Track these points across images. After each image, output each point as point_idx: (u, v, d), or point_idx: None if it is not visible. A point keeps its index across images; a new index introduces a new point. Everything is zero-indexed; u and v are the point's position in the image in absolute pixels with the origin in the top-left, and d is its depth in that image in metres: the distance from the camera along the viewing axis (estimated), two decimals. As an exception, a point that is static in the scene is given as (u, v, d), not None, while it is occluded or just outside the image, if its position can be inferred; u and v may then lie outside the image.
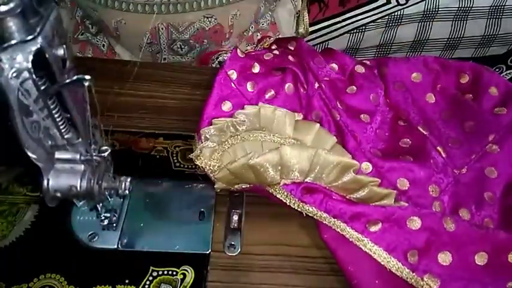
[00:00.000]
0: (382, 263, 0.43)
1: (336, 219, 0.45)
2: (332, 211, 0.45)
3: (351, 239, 0.44)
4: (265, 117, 0.52)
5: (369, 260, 0.43)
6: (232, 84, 0.55)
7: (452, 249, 0.44)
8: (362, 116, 0.55)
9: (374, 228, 0.44)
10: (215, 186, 0.49)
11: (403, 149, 0.54)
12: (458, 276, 0.42)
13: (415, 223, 0.45)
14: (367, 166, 0.51)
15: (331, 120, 0.55)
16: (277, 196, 0.47)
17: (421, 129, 0.55)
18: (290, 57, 0.59)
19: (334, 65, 0.59)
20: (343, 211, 0.45)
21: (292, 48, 0.62)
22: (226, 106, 0.54)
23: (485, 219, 0.49)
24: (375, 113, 0.56)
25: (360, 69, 0.60)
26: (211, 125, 0.51)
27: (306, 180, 0.48)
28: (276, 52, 0.61)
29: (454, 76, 0.60)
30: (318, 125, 0.53)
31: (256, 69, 0.57)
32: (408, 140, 0.54)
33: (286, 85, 0.56)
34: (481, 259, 0.43)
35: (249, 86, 0.55)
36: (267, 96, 0.55)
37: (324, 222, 0.45)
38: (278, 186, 0.47)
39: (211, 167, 0.48)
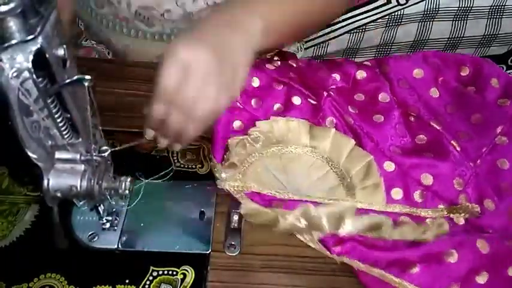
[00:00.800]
0: None
1: (372, 267, 0.44)
2: (367, 260, 0.44)
3: (391, 283, 0.44)
4: (279, 130, 0.53)
5: None
6: (238, 103, 0.55)
7: (488, 268, 0.44)
8: (375, 116, 0.56)
9: (413, 270, 0.44)
10: (242, 213, 0.47)
11: (420, 146, 0.54)
12: None
13: (452, 256, 0.45)
14: (389, 165, 0.51)
15: (345, 125, 0.55)
16: (310, 244, 0.47)
17: (434, 125, 0.55)
18: (291, 74, 0.59)
19: (337, 75, 0.59)
20: (378, 259, 0.44)
21: (294, 65, 0.61)
22: (237, 124, 0.54)
23: (509, 207, 0.49)
24: (390, 109, 0.56)
25: (361, 74, 0.60)
26: (226, 146, 0.51)
27: (338, 232, 0.46)
28: (278, 63, 0.61)
29: (455, 69, 0.61)
30: (334, 129, 0.53)
31: (256, 82, 0.57)
32: (423, 136, 0.55)
33: (294, 97, 0.56)
34: None
35: (253, 103, 0.55)
36: (274, 108, 0.55)
37: (362, 270, 0.44)
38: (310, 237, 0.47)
39: (236, 188, 0.49)
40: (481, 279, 0.44)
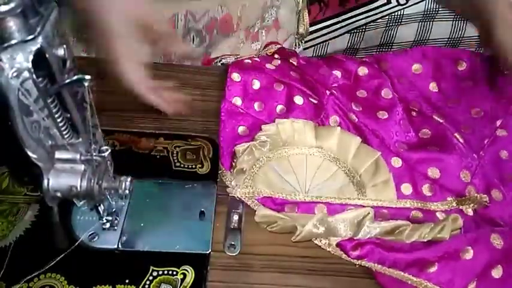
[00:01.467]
0: None
1: (391, 269, 0.44)
2: (386, 262, 0.45)
3: (409, 282, 0.44)
4: (285, 132, 0.53)
5: None
6: (240, 110, 0.55)
7: (502, 262, 0.45)
8: (379, 113, 0.56)
9: (432, 269, 0.44)
10: (256, 220, 0.48)
11: (425, 140, 0.55)
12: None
13: (468, 253, 0.45)
14: (396, 161, 0.52)
15: (349, 123, 0.55)
16: (327, 249, 0.47)
17: (436, 118, 0.56)
18: (292, 73, 0.59)
19: (338, 72, 0.59)
20: (397, 261, 0.45)
21: (294, 63, 0.61)
22: (242, 130, 0.54)
23: None
24: (393, 105, 0.57)
25: (363, 70, 0.60)
26: (233, 153, 0.51)
27: (355, 237, 0.47)
28: (278, 62, 0.61)
29: (452, 64, 0.62)
30: (339, 128, 0.53)
31: (257, 85, 0.57)
32: (427, 130, 0.55)
33: (295, 97, 0.56)
34: None
35: (256, 106, 0.55)
36: (277, 110, 0.55)
37: (380, 271, 0.45)
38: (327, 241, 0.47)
39: (247, 194, 0.49)
40: (496, 273, 0.44)
